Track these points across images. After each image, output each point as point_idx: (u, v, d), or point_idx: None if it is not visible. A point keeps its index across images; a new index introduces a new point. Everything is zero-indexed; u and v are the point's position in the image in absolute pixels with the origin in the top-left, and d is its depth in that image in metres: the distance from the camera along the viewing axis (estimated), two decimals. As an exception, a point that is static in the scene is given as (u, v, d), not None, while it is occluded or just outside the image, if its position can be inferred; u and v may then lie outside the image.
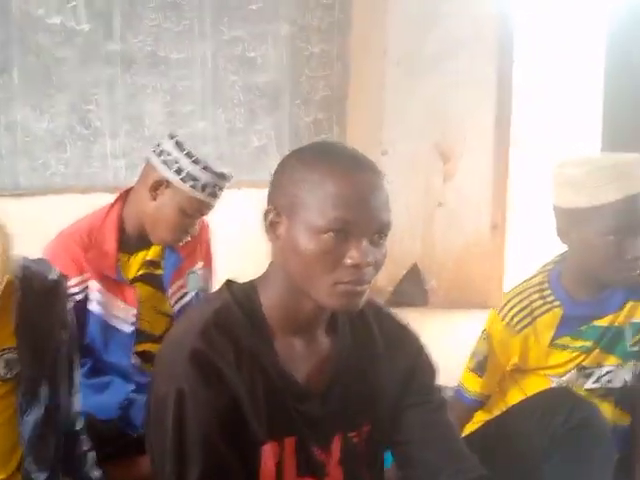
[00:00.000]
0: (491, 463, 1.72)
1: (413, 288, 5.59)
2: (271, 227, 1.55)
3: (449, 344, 4.79)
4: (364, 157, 1.53)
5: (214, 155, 4.62)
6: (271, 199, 1.56)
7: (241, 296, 1.59)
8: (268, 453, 1.55)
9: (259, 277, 1.63)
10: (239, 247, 5.15)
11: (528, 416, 2.04)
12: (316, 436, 1.61)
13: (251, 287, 1.61)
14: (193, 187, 2.51)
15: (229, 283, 1.63)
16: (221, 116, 5.09)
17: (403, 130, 5.57)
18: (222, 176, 2.55)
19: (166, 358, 1.54)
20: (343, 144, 1.60)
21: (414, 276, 5.61)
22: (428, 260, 5.64)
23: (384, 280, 5.59)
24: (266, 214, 1.55)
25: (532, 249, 7.26)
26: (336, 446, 1.64)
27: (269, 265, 1.60)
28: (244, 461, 1.52)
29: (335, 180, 1.47)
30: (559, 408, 2.02)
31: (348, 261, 1.49)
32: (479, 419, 2.31)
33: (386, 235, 1.50)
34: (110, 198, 2.71)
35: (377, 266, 1.52)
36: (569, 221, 2.15)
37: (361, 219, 1.48)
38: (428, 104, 5.49)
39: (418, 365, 1.71)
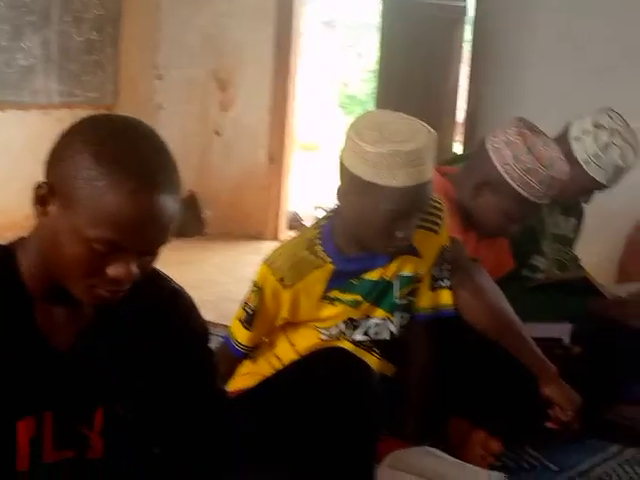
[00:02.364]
0: (266, 425, 1.71)
1: (189, 217, 5.52)
2: (41, 200, 1.42)
3: (225, 275, 4.80)
4: (166, 162, 1.40)
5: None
6: (48, 173, 1.41)
7: None
8: (22, 429, 1.47)
9: (17, 241, 1.51)
10: (3, 172, 4.89)
11: (300, 376, 2.04)
12: (77, 408, 1.54)
13: (7, 253, 1.49)
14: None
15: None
16: (-17, 32, 4.76)
17: (179, 55, 5.42)
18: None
19: None
20: (152, 133, 1.43)
21: (190, 205, 5.53)
22: (204, 189, 5.57)
23: (158, 209, 5.48)
24: (39, 187, 1.42)
25: (310, 182, 7.35)
26: (98, 418, 1.58)
27: (32, 232, 1.49)
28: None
29: (120, 200, 1.34)
30: (332, 368, 2.03)
31: (110, 273, 1.40)
32: (245, 370, 2.30)
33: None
34: None
35: (144, 271, 1.45)
36: (352, 185, 2.12)
37: (135, 244, 1.38)
38: (205, 30, 5.36)
39: (189, 334, 1.65)
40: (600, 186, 3.00)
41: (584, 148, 2.91)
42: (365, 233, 2.15)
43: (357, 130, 2.09)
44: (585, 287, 3.01)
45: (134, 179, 1.35)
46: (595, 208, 3.56)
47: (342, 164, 2.12)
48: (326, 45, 10.23)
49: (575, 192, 3.01)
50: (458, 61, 4.56)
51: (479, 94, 4.42)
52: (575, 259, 3.42)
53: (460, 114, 4.64)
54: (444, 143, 4.23)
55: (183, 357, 1.64)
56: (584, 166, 2.91)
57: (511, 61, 4.28)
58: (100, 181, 1.35)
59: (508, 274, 2.84)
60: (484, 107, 4.37)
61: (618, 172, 2.95)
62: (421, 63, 4.33)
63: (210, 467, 1.63)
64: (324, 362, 2.00)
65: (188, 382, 1.64)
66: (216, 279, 4.54)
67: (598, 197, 3.73)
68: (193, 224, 5.54)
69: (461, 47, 4.58)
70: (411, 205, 2.09)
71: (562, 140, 2.88)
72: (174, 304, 1.65)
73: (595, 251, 3.99)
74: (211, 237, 5.61)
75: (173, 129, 5.36)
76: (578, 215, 3.38)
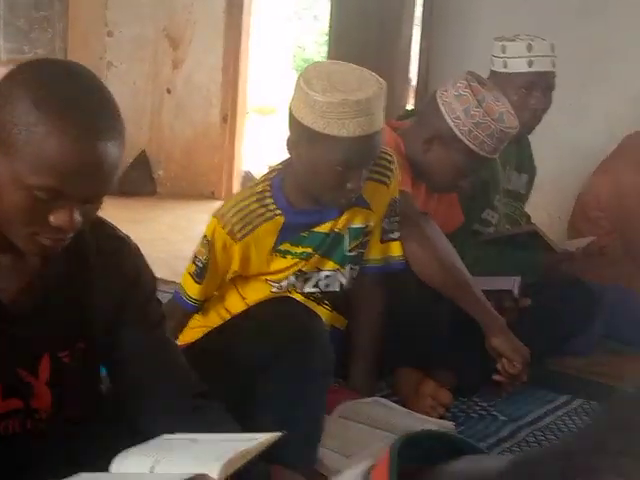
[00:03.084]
0: (214, 376, 1.71)
1: (140, 177, 5.47)
2: None
3: (177, 233, 4.78)
4: (108, 109, 1.38)
5: None
6: None
7: None
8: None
9: None
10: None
11: (249, 326, 2.04)
12: (22, 357, 1.53)
13: None
14: None
15: None
16: None
17: (130, 12, 5.34)
18: None
19: None
20: (94, 79, 1.40)
21: (141, 164, 5.48)
22: (156, 148, 5.52)
23: (109, 168, 5.43)
24: None
25: (264, 143, 7.31)
26: (44, 366, 1.57)
27: None
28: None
29: (61, 146, 1.32)
30: (281, 318, 2.04)
31: (52, 221, 1.39)
32: (196, 324, 2.30)
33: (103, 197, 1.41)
34: None
35: (87, 219, 1.44)
36: (302, 136, 2.10)
37: (77, 191, 1.36)
38: (156, -14, 5.28)
39: (135, 282, 1.64)
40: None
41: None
42: (315, 184, 2.14)
43: (306, 79, 2.08)
44: (535, 242, 3.04)
45: (76, 125, 1.33)
46: (547, 166, 3.60)
47: (291, 114, 2.11)
48: (281, 8, 10.15)
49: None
50: (410, 21, 4.54)
51: (431, 55, 4.41)
52: (526, 215, 3.46)
53: (413, 75, 4.64)
54: (398, 104, 4.22)
55: (130, 304, 1.63)
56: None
57: (463, 19, 4.28)
58: (40, 127, 1.33)
59: (460, 228, 2.86)
60: (436, 68, 4.37)
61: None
62: (373, 24, 4.31)
63: (158, 414, 1.62)
64: (271, 311, 2.00)
65: (134, 329, 1.63)
66: (168, 237, 4.51)
67: (550, 156, 3.77)
68: (145, 183, 5.50)
69: (413, 7, 4.57)
70: (361, 155, 2.09)
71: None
72: (120, 252, 1.63)
73: (546, 208, 4.03)
74: (163, 196, 5.58)
75: (124, 87, 5.30)
76: (530, 172, 3.41)
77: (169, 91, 5.47)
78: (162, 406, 1.63)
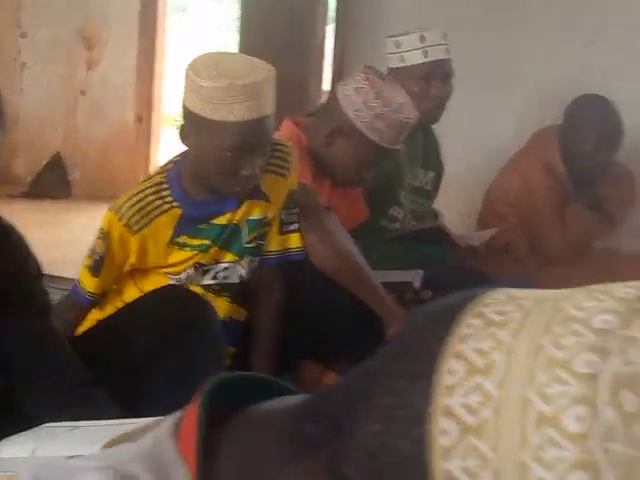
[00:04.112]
0: (104, 364, 1.70)
1: (54, 179, 5.40)
2: None
3: (91, 234, 4.71)
4: None
5: None
6: None
7: None
8: None
9: None
10: None
11: (140, 315, 2.03)
12: None
13: None
14: None
15: None
16: None
17: (44, 13, 5.27)
18: None
19: None
20: None
21: (55, 166, 5.41)
22: (70, 150, 5.45)
23: (22, 169, 5.36)
24: None
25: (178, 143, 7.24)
26: None
27: None
28: None
29: None
30: (171, 306, 2.03)
31: None
32: (94, 317, 2.28)
33: None
34: None
35: None
36: (192, 124, 2.11)
37: None
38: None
39: (20, 268, 1.63)
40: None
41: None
42: (210, 173, 2.15)
43: (194, 68, 2.08)
44: (441, 237, 3.08)
45: None
46: (456, 165, 3.65)
47: (183, 104, 2.12)
48: (195, 2, 10.11)
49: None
50: (323, 22, 4.57)
51: (345, 56, 4.45)
52: (433, 212, 3.50)
53: (327, 73, 4.66)
54: (312, 104, 4.24)
55: (14, 289, 1.62)
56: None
57: (375, 20, 4.32)
58: None
59: (367, 224, 2.88)
60: (350, 69, 4.41)
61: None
62: (285, 24, 4.32)
63: (43, 400, 1.61)
64: (162, 299, 2.00)
65: (19, 314, 1.62)
66: (82, 238, 4.43)
67: (459, 155, 3.82)
68: (59, 186, 5.42)
69: (326, 8, 4.59)
70: (252, 141, 2.09)
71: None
72: (5, 239, 1.62)
73: (456, 207, 4.09)
74: (79, 198, 5.51)
75: (38, 88, 5.24)
76: (437, 169, 3.45)
77: (83, 92, 5.41)
78: (48, 393, 1.61)
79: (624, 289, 0.48)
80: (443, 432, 0.46)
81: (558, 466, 0.43)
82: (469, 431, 0.46)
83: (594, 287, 0.49)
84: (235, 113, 2.04)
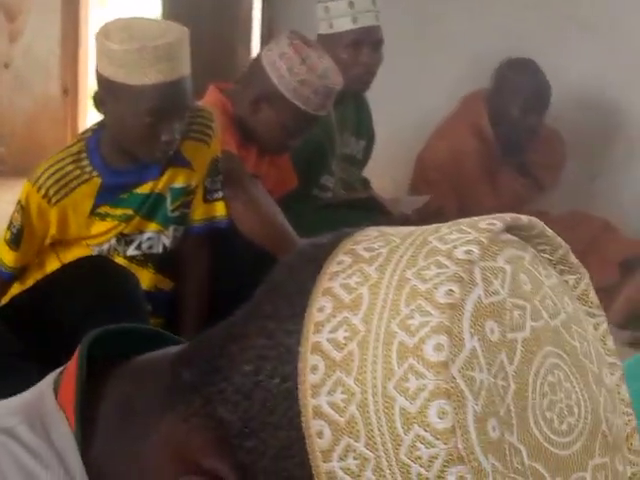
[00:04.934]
0: (28, 334, 1.67)
1: (-20, 155, 5.28)
2: None
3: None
4: None
5: None
6: None
7: None
8: None
9: None
10: None
11: (60, 286, 1.99)
12: None
13: None
14: None
15: None
16: None
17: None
18: None
19: None
20: None
21: (-19, 142, 5.29)
22: (-4, 125, 5.34)
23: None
24: None
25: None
26: None
27: None
28: None
29: None
30: (92, 277, 2.00)
31: None
32: (14, 292, 2.23)
33: None
34: None
35: None
36: (107, 92, 2.09)
37: None
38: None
39: None
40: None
41: None
42: (128, 140, 2.12)
43: (105, 32, 2.05)
44: (372, 205, 3.08)
45: None
46: (389, 131, 3.64)
47: (96, 71, 2.09)
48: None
49: None
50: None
51: (273, 24, 4.41)
52: (364, 180, 3.49)
53: (255, 42, 4.62)
54: (240, 70, 4.19)
55: None
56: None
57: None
58: None
59: (299, 193, 2.86)
60: (280, 31, 4.36)
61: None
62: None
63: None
64: (82, 269, 1.97)
65: None
66: (9, 214, 4.37)
67: (391, 121, 3.81)
68: (-14, 161, 5.31)
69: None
70: (169, 104, 2.07)
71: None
72: None
73: (389, 173, 4.08)
74: (6, 174, 5.39)
75: (-40, 62, 5.10)
76: (369, 137, 3.44)
77: (7, 65, 5.29)
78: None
79: (488, 221, 0.48)
80: (313, 369, 0.46)
81: (420, 395, 0.43)
82: (336, 366, 0.46)
83: (461, 220, 0.49)
84: (149, 76, 2.01)
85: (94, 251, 2.22)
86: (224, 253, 2.41)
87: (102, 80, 2.07)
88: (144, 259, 2.29)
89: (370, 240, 0.50)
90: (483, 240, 0.46)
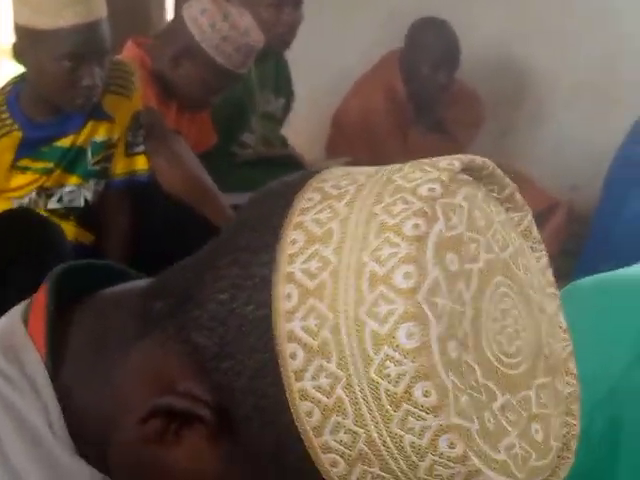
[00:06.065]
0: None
1: None
2: None
3: None
4: None
5: None
6: None
7: None
8: None
9: None
10: None
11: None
12: None
13: None
14: None
15: None
16: None
17: None
18: None
19: None
20: None
21: None
22: None
23: None
24: None
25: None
26: None
27: None
28: None
29: None
30: (17, 228, 2.00)
31: None
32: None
33: None
34: None
35: None
36: (25, 40, 2.07)
37: None
38: None
39: None
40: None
41: None
42: (49, 88, 2.10)
43: None
44: (291, 162, 3.11)
45: None
46: (307, 89, 3.65)
47: (13, 20, 2.08)
48: None
49: None
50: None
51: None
52: (282, 138, 3.51)
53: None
54: (154, 27, 4.14)
55: None
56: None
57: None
58: None
59: (218, 149, 2.87)
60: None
61: None
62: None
63: None
64: (6, 221, 1.96)
65: None
66: None
67: (309, 79, 3.81)
68: None
69: None
70: (87, 46, 2.06)
71: None
72: None
73: (304, 130, 4.10)
74: None
75: None
76: (287, 95, 3.45)
77: None
78: None
79: (448, 161, 0.52)
80: (286, 297, 0.49)
81: (390, 319, 0.47)
82: (309, 294, 0.49)
83: (423, 160, 0.53)
84: (65, 18, 2.01)
85: (14, 204, 2.21)
86: (145, 207, 2.41)
87: (19, 28, 2.07)
88: (65, 212, 2.29)
89: (337, 178, 0.53)
90: (444, 179, 0.50)
